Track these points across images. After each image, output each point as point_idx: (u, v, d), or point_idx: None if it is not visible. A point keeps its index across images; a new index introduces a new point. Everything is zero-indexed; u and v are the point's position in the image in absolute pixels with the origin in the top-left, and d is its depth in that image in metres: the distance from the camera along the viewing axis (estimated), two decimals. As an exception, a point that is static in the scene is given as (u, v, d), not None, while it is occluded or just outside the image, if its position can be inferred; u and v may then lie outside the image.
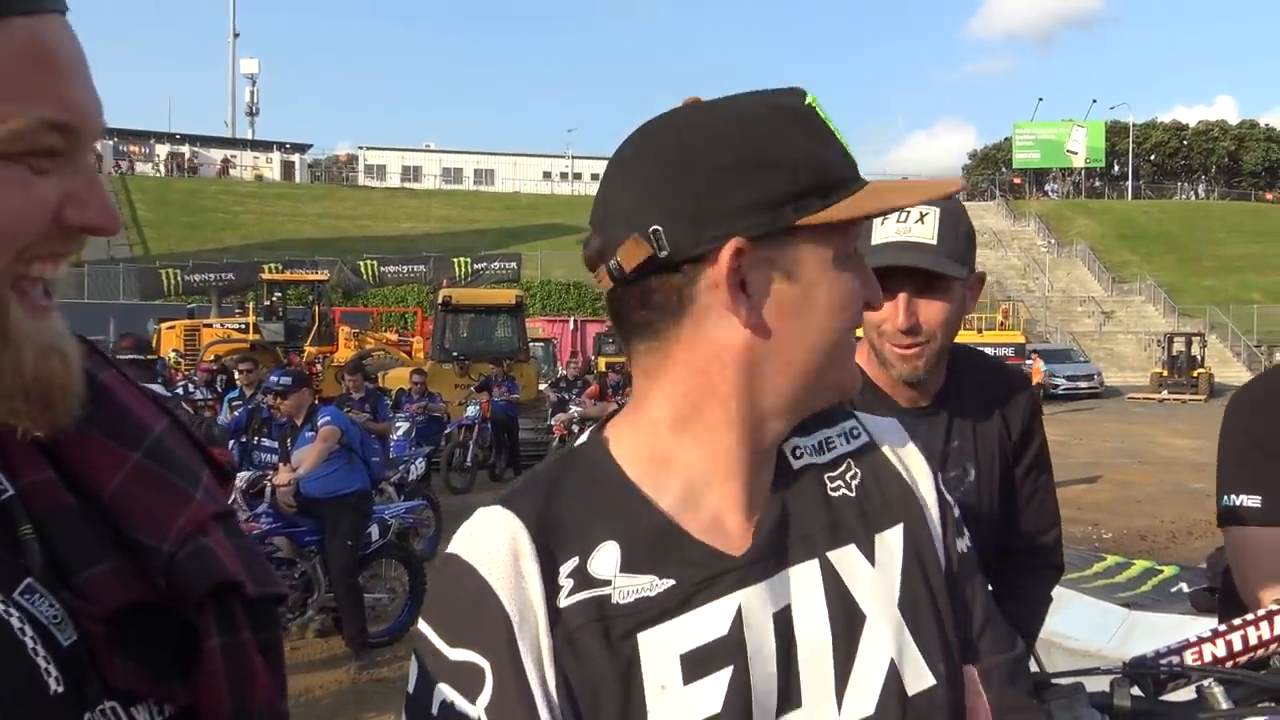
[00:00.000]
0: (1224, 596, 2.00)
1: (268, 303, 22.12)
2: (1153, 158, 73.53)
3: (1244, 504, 1.72)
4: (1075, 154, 63.29)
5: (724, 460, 0.87)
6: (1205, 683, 1.34)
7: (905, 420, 1.59)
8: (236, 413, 8.20)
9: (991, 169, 69.87)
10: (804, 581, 0.87)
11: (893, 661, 0.87)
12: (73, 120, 0.68)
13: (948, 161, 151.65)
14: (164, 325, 22.37)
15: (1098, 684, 1.36)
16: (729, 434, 0.86)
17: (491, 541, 0.82)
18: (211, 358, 16.55)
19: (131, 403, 0.80)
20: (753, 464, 0.88)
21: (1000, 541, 1.82)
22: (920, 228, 1.64)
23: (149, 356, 13.26)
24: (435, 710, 0.79)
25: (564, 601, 0.81)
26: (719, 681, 0.81)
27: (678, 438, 0.87)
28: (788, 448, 0.93)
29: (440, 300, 16.49)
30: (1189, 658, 1.36)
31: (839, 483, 0.93)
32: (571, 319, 31.76)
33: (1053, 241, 48.61)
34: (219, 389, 11.45)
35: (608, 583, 0.82)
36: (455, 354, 15.80)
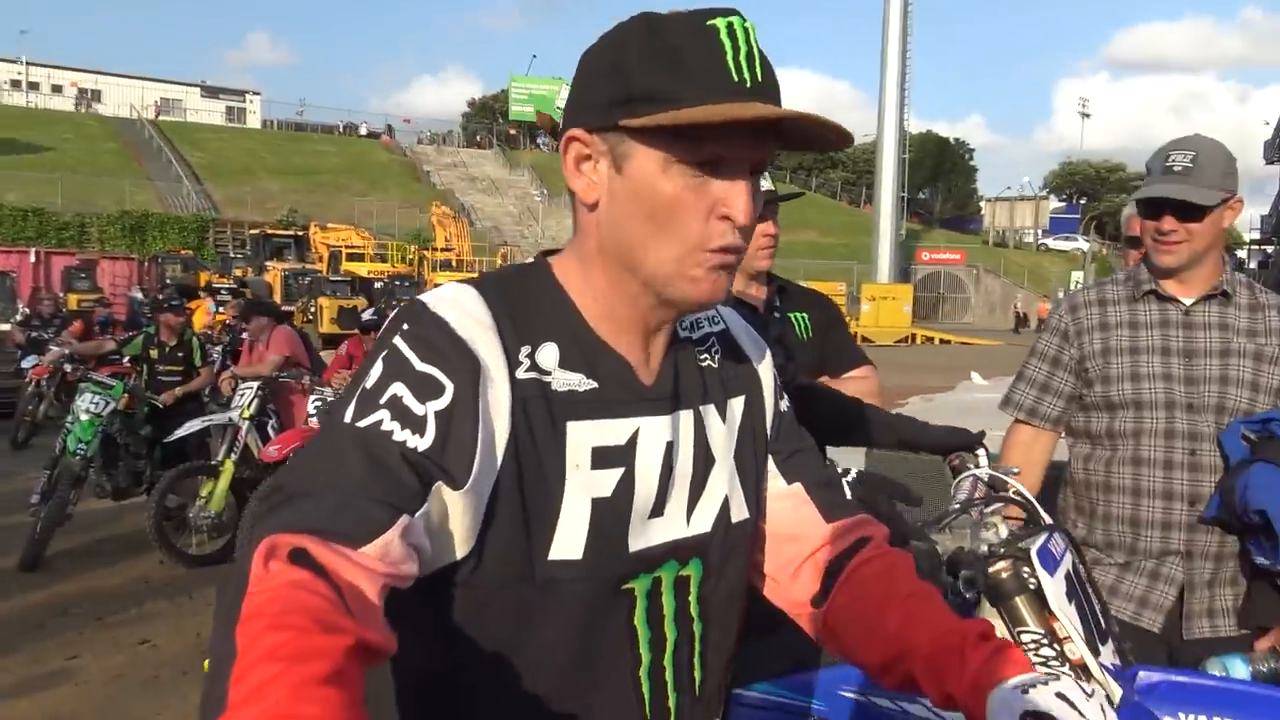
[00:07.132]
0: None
1: None
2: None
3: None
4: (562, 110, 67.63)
5: (619, 309, 1.07)
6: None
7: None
8: None
9: (490, 119, 72.08)
10: (685, 425, 1.11)
11: (726, 497, 1.14)
12: None
13: (453, 108, 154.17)
14: None
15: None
16: (612, 290, 1.06)
17: (465, 309, 1.00)
18: None
19: None
20: (643, 321, 1.08)
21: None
22: None
23: None
24: (384, 400, 0.94)
25: (520, 374, 1.00)
26: (614, 475, 1.04)
27: (594, 276, 1.07)
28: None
29: None
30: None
31: (705, 356, 1.18)
32: (33, 250, 27.43)
33: (544, 191, 51.44)
34: None
35: (549, 373, 1.02)
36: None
